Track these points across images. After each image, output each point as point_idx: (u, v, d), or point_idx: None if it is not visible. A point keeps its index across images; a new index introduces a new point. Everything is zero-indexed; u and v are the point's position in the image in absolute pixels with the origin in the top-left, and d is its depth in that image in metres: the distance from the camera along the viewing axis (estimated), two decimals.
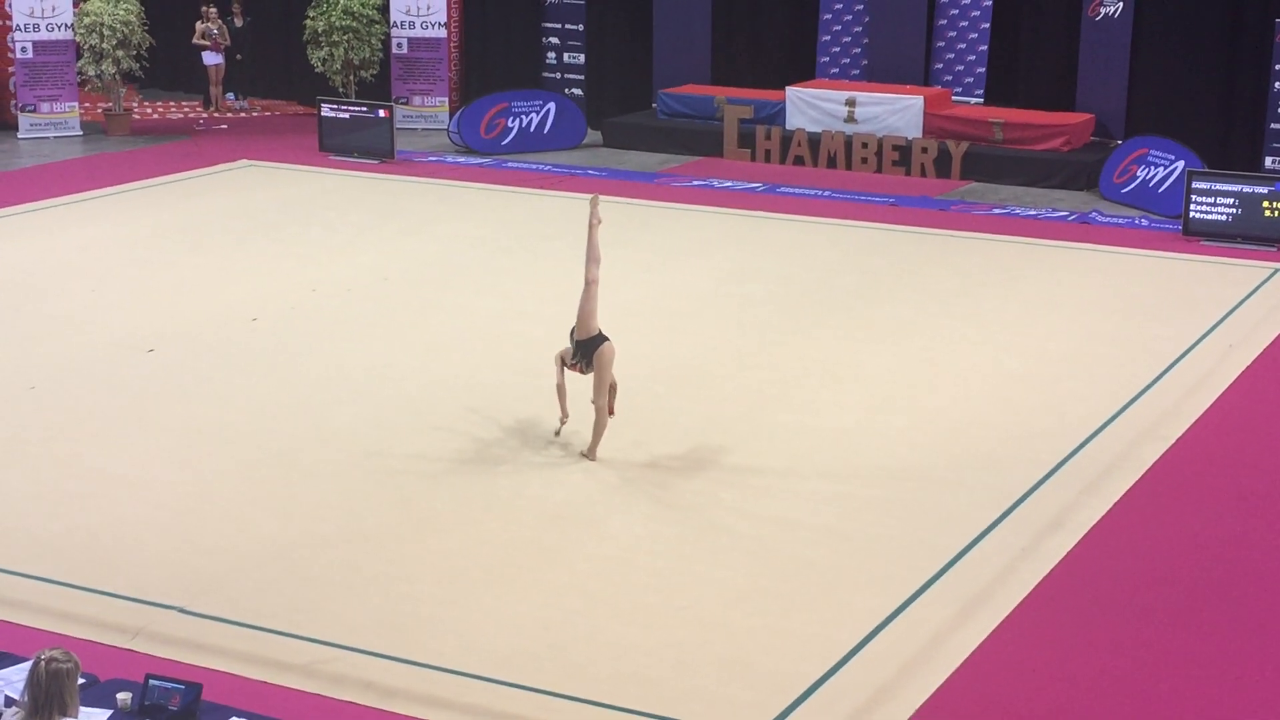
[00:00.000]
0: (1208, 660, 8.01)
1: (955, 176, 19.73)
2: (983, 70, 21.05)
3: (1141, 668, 7.92)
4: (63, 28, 22.06)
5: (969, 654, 7.99)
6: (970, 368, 12.48)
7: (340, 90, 22.64)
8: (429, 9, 23.07)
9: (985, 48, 21.02)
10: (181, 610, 8.36)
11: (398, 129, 20.99)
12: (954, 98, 20.95)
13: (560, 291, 14.55)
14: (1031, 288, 14.81)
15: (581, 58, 23.39)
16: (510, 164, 20.64)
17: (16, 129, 22.15)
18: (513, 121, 21.60)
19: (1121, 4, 19.76)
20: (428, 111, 23.21)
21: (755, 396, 11.82)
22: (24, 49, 21.94)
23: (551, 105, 21.88)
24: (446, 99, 23.27)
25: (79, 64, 22.15)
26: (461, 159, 20.96)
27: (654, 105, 22.22)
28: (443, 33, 23.16)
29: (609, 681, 7.72)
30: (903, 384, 12.10)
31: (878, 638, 8.14)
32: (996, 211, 18.02)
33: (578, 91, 23.21)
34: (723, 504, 9.85)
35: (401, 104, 22.73)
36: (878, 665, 7.87)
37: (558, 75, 23.50)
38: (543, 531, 9.42)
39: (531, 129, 21.67)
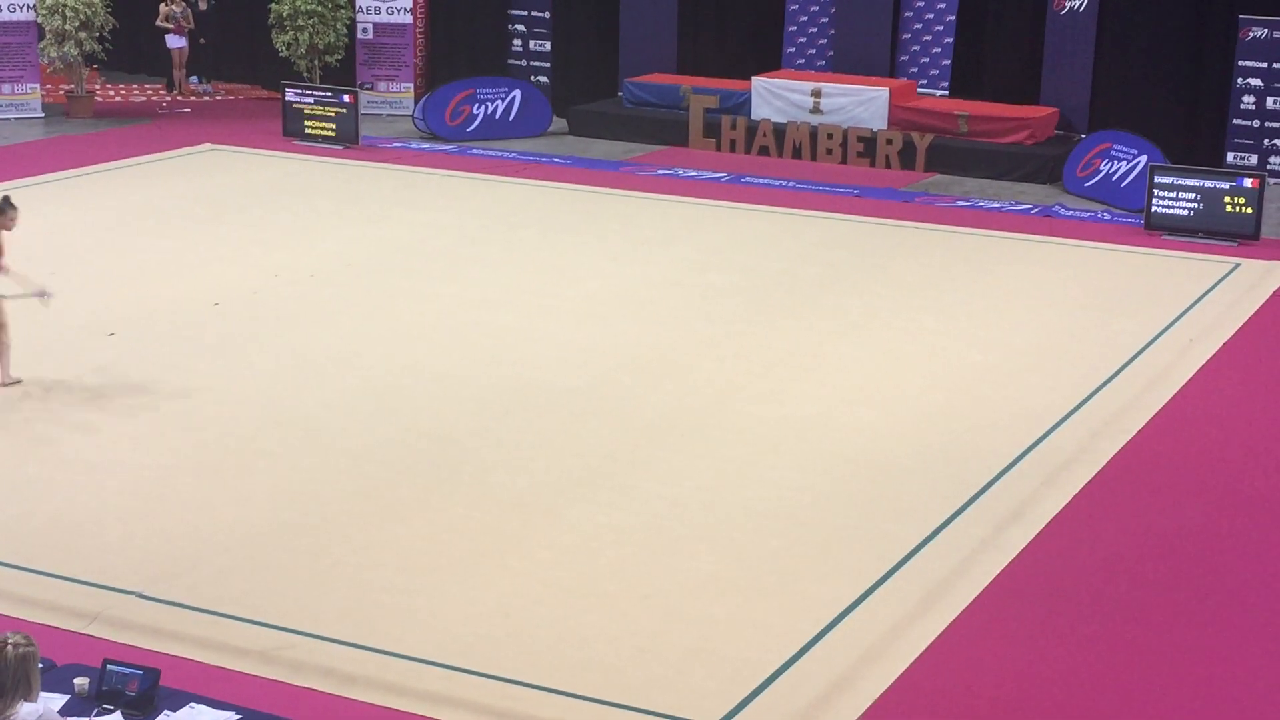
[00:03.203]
0: (1166, 651, 8.06)
1: (920, 168, 19.78)
2: (948, 63, 21.11)
3: (1100, 659, 7.96)
4: (24, 9, 21.90)
5: (929, 644, 8.02)
6: (933, 359, 12.52)
7: (305, 75, 22.54)
8: None
9: (951, 40, 21.08)
10: (140, 595, 8.33)
11: (362, 115, 20.92)
12: (919, 90, 21.00)
13: (525, 279, 14.55)
14: (995, 280, 14.86)
15: (547, 45, 23.34)
16: (475, 151, 20.59)
17: None
18: (478, 108, 21.55)
19: None
20: (393, 97, 23.14)
21: (719, 386, 11.83)
22: None
23: (517, 93, 21.85)
24: (412, 85, 23.20)
25: (41, 45, 21.99)
26: (426, 145, 20.91)
27: (620, 94, 22.21)
28: (408, 18, 23.08)
29: (570, 669, 7.72)
30: (866, 375, 12.13)
31: (838, 627, 8.17)
32: (960, 204, 18.07)
33: (543, 79, 23.17)
34: (686, 493, 9.85)
35: (366, 89, 22.65)
36: (838, 654, 7.90)
37: (523, 63, 23.45)
38: (505, 519, 9.42)
39: (497, 116, 21.62)
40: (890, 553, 9.01)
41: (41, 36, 21.96)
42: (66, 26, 21.74)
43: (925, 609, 8.38)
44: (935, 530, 9.33)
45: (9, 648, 5.88)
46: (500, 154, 20.44)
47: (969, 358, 12.56)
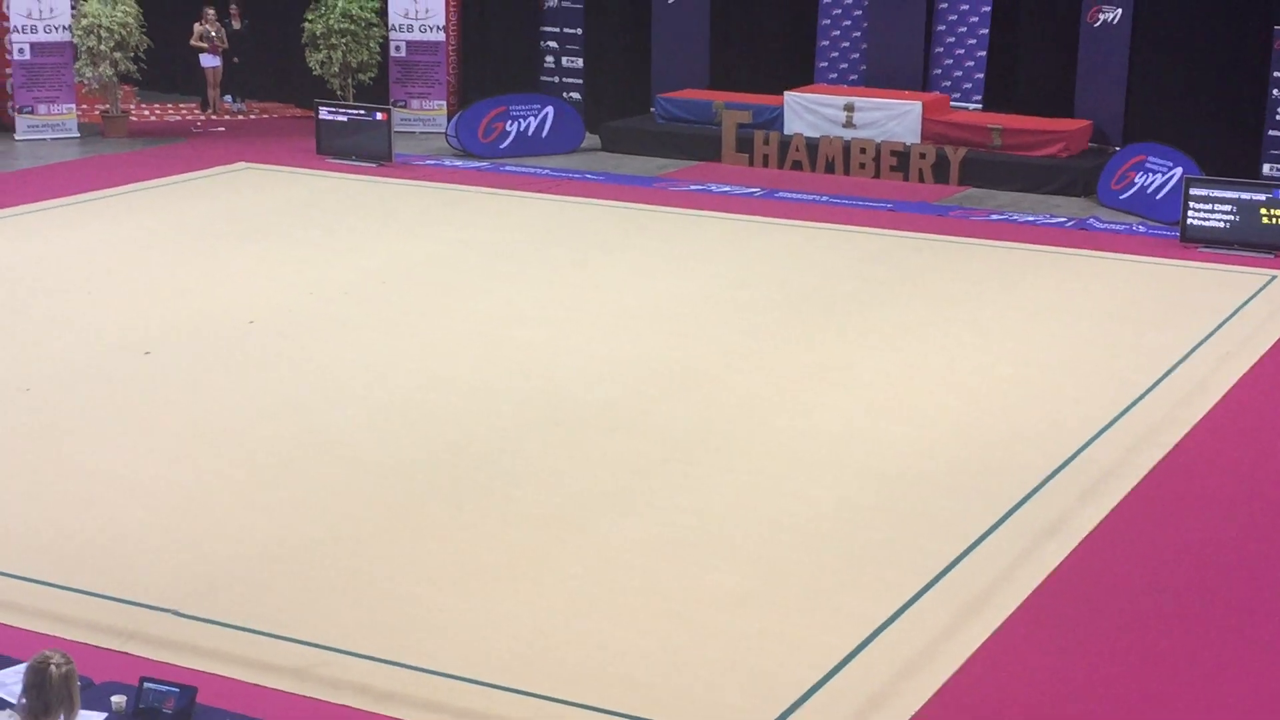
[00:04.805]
0: (1204, 667, 8.00)
1: (953, 182, 19.74)
2: (981, 76, 21.06)
3: (1137, 674, 7.90)
4: (60, 29, 22.04)
5: (964, 660, 7.97)
6: (968, 373, 12.47)
7: (338, 93, 22.63)
8: (427, 12, 23.06)
9: (984, 54, 21.03)
10: (176, 613, 8.34)
11: (395, 132, 20.99)
12: (952, 103, 20.96)
13: (557, 295, 14.57)
14: (1029, 294, 14.80)
15: (580, 62, 23.38)
16: (508, 168, 20.63)
17: (14, 131, 22.13)
18: (511, 125, 21.60)
19: (1120, 10, 19.76)
20: (426, 115, 23.20)
21: (752, 401, 11.81)
22: (21, 50, 21.92)
23: (550, 109, 21.88)
24: (445, 102, 23.26)
25: (76, 66, 22.13)
26: (459, 162, 20.96)
27: (652, 110, 22.22)
28: (441, 36, 23.15)
29: (603, 685, 7.71)
30: (900, 389, 12.09)
31: (873, 643, 8.13)
32: (994, 217, 18.02)
33: (576, 95, 23.20)
34: (719, 508, 9.83)
35: (399, 107, 22.72)
36: (873, 670, 7.86)
37: (556, 79, 23.49)
38: (536, 534, 9.41)
39: (530, 133, 21.66)
40: (926, 567, 8.97)
41: (77, 57, 22.10)
42: (102, 47, 21.87)
43: (961, 624, 8.34)
44: (971, 545, 9.28)
45: (52, 666, 5.90)
46: (533, 170, 20.47)
47: (1003, 371, 12.51)
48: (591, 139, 22.09)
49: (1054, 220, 17.90)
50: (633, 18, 22.90)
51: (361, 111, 20.88)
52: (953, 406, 11.70)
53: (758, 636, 8.21)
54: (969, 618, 8.40)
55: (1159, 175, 18.01)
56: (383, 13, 22.85)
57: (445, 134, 22.30)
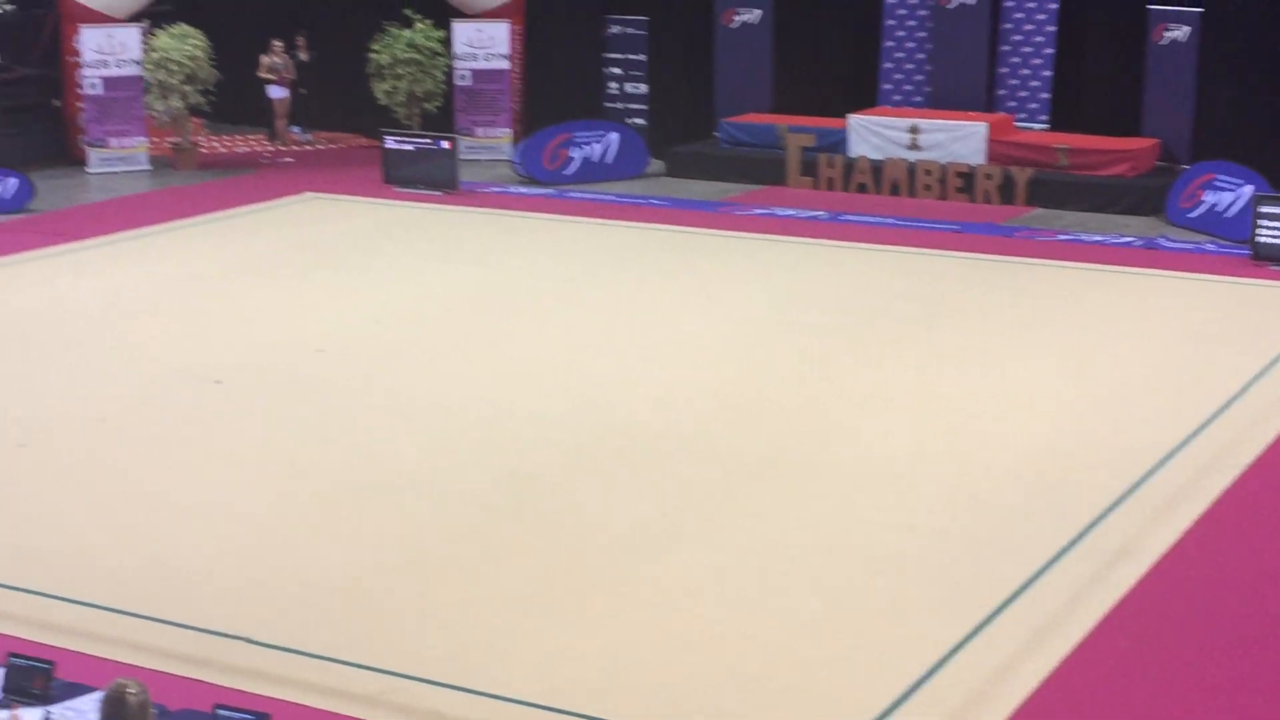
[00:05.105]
0: (1279, 690, 7.92)
1: (1020, 203, 19.64)
2: (1047, 96, 20.94)
3: (1213, 697, 7.82)
4: (131, 64, 22.32)
5: (1038, 684, 7.91)
6: (1036, 394, 12.40)
7: (404, 122, 22.79)
8: (492, 41, 23.20)
9: (1049, 73, 20.91)
10: (249, 640, 8.40)
11: (461, 160, 21.11)
12: (1018, 124, 20.85)
13: (624, 321, 14.59)
14: (1098, 314, 14.71)
15: (643, 87, 23.44)
16: (573, 194, 20.70)
17: (86, 164, 22.42)
18: (575, 152, 21.67)
19: (1187, 28, 19.62)
20: (491, 143, 23.32)
21: (820, 425, 11.78)
22: (93, 85, 22.20)
23: (614, 135, 21.95)
24: (510, 130, 23.37)
25: (147, 99, 22.40)
26: (525, 190, 21.05)
27: (716, 134, 22.24)
28: (506, 64, 23.28)
29: (674, 712, 7.70)
30: (968, 411, 12.03)
31: (945, 667, 8.08)
32: (1062, 238, 17.92)
33: (640, 121, 23.26)
34: (787, 533, 9.81)
35: (465, 135, 22.85)
36: (946, 695, 7.81)
37: (620, 105, 23.56)
38: (606, 561, 9.42)
39: (594, 159, 21.73)
40: (997, 591, 8.91)
41: (148, 91, 22.37)
42: (172, 80, 22.13)
43: (1034, 648, 8.27)
44: (1042, 568, 9.22)
45: (128, 694, 5.96)
46: (598, 197, 20.53)
47: (1072, 393, 12.43)
48: (656, 164, 22.13)
49: (1122, 240, 17.78)
50: (695, 43, 22.93)
51: (427, 140, 21.01)
52: (1022, 428, 11.63)
53: (830, 662, 8.18)
54: (1041, 641, 8.34)
55: (1228, 193, 17.85)
56: (447, 42, 23.01)
57: (510, 161, 22.40)
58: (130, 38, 22.33)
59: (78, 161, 22.62)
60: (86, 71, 22.21)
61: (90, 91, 22.23)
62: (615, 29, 23.50)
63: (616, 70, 23.63)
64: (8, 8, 22.86)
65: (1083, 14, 20.86)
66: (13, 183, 19.90)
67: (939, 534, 9.77)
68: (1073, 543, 9.57)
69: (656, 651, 8.31)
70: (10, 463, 11.06)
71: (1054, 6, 20.75)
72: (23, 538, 9.79)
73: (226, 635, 8.45)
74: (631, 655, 8.26)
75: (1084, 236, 17.94)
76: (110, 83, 22.24)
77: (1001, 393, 12.46)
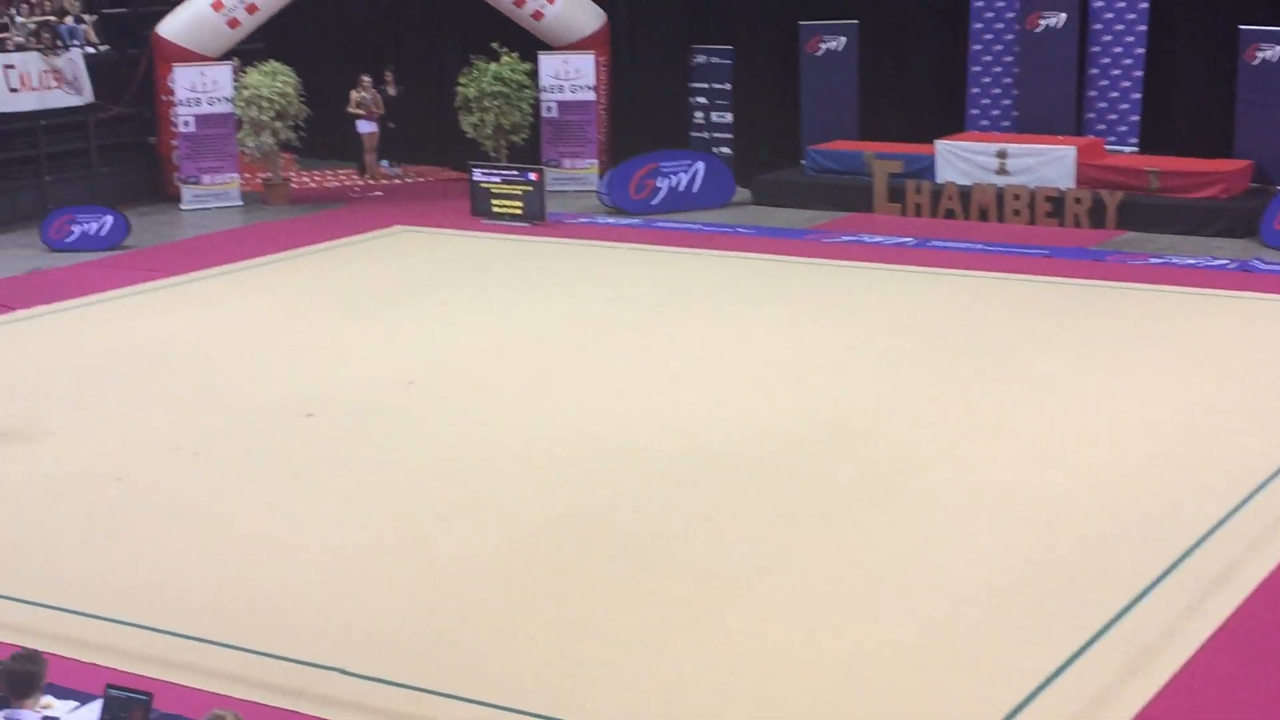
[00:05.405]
0: None
1: (1110, 226, 19.47)
2: (1136, 118, 20.76)
3: None
4: (223, 101, 22.64)
5: (1136, 713, 7.81)
6: (1129, 420, 12.26)
7: (491, 155, 22.95)
8: (578, 73, 23.34)
9: (1139, 95, 20.74)
10: (343, 671, 8.46)
11: (548, 192, 21.21)
12: (1107, 147, 20.69)
13: (712, 350, 14.59)
14: (1191, 338, 14.53)
15: (729, 116, 23.50)
16: (660, 224, 20.75)
17: (180, 201, 22.75)
18: (662, 181, 21.73)
19: (1279, 48, 19.39)
20: (577, 174, 23.44)
21: (910, 452, 11.71)
22: (186, 123, 22.56)
23: (700, 165, 21.99)
24: (596, 161, 23.49)
25: (239, 136, 22.71)
26: (611, 220, 21.12)
27: (803, 162, 22.23)
28: (591, 95, 23.40)
29: None
30: (1060, 438, 11.92)
31: (1041, 696, 8.00)
32: (1154, 261, 17.73)
33: (726, 150, 23.30)
34: (877, 561, 9.75)
35: (551, 167, 22.98)
36: None
37: (706, 134, 23.62)
38: (695, 590, 9.40)
39: (681, 188, 21.78)
40: (1092, 620, 8.80)
41: (239, 127, 22.68)
42: (263, 117, 22.44)
43: (1130, 677, 8.17)
44: (1138, 596, 9.10)
45: None
46: (685, 226, 20.57)
47: (1166, 418, 12.28)
48: (742, 193, 22.14)
49: (1215, 263, 17.56)
50: (781, 71, 22.96)
51: (514, 172, 21.15)
52: (1115, 454, 11.51)
53: (924, 691, 8.12)
54: (1137, 671, 8.23)
55: None
56: (534, 74, 23.16)
57: (597, 192, 22.50)
58: (222, 75, 22.67)
59: (172, 198, 22.98)
60: (180, 109, 22.57)
61: (183, 129, 22.59)
62: (701, 58, 23.59)
63: (702, 99, 23.71)
64: (102, 48, 23.26)
65: (1172, 35, 20.68)
66: (108, 220, 20.25)
67: (1034, 562, 9.67)
68: (1169, 570, 9.44)
69: (745, 680, 8.27)
70: (105, 497, 11.22)
71: (1143, 28, 20.59)
72: (119, 571, 9.91)
73: (320, 666, 8.51)
74: (720, 684, 8.23)
75: (1176, 260, 17.74)
76: (203, 120, 22.58)
77: (1092, 418, 12.33)
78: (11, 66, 21.70)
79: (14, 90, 21.70)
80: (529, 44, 23.48)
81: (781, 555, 9.91)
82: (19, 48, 22.05)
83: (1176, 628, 8.72)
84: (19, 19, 22.76)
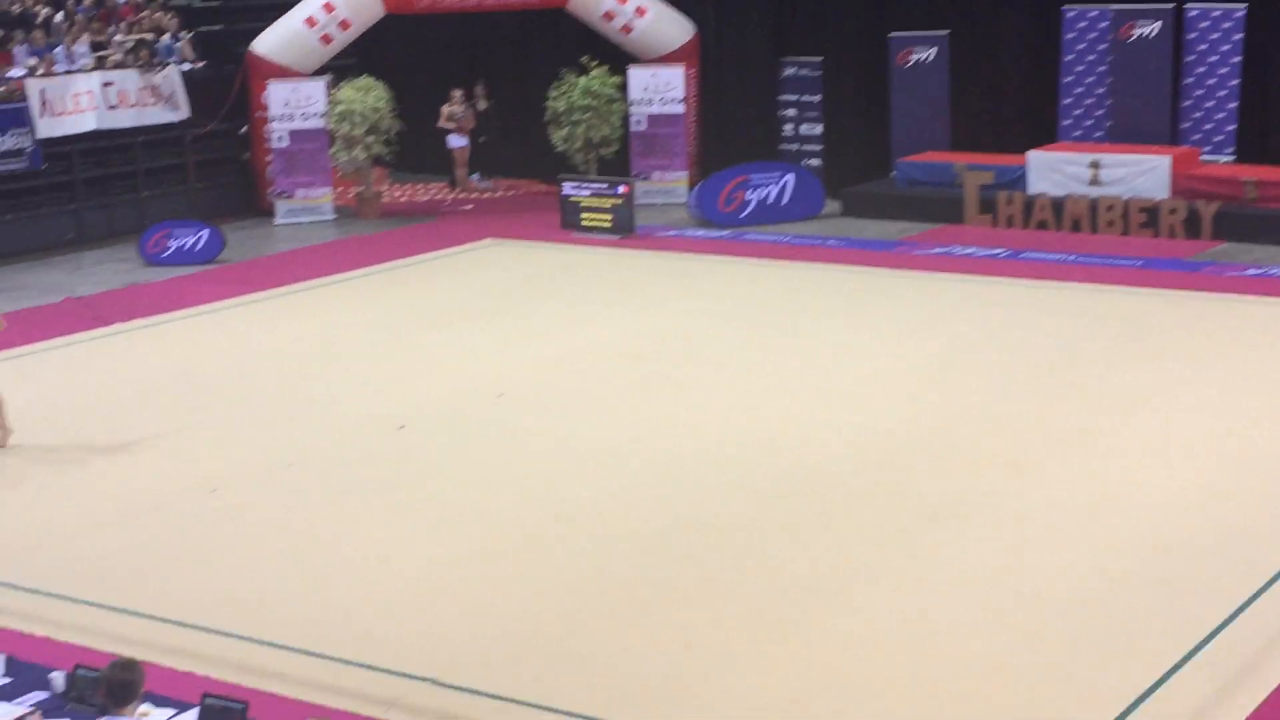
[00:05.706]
0: None
1: (1206, 237, 19.23)
2: (1233, 128, 20.50)
3: None
4: (316, 117, 22.89)
5: None
6: (1226, 434, 12.10)
7: (581, 168, 23.04)
8: (667, 86, 23.37)
9: (1235, 105, 20.48)
10: (435, 682, 8.52)
11: (637, 204, 21.26)
12: (1203, 157, 20.44)
13: (802, 363, 14.56)
14: None
15: (819, 128, 23.45)
16: (749, 236, 20.73)
17: (274, 215, 23.02)
18: (751, 194, 21.72)
19: None
20: (667, 186, 23.47)
21: (1003, 466, 11.63)
22: (280, 139, 22.82)
23: (790, 176, 21.95)
24: (685, 173, 23.51)
25: (332, 151, 22.94)
26: (701, 232, 21.13)
27: (893, 174, 22.14)
28: (681, 108, 23.43)
29: None
30: (1156, 451, 11.79)
31: (1135, 713, 7.91)
32: (1251, 272, 17.49)
33: (816, 162, 23.25)
34: (971, 576, 9.69)
35: (641, 180, 23.02)
36: None
37: (795, 146, 23.58)
38: (788, 604, 9.39)
39: (770, 200, 21.75)
40: (1188, 636, 8.70)
41: (332, 142, 22.92)
42: (355, 132, 22.65)
43: (1228, 694, 8.07)
44: (1234, 612, 8.99)
45: None
46: (774, 238, 20.54)
47: (1264, 431, 12.11)
48: (832, 205, 22.08)
49: None
50: (870, 82, 22.88)
51: (604, 185, 21.21)
52: (1210, 468, 11.37)
53: (1018, 707, 8.06)
54: (1236, 687, 8.13)
55: None
56: (623, 88, 23.23)
57: (686, 205, 22.52)
58: (315, 91, 22.92)
59: (266, 213, 23.26)
60: (274, 125, 22.85)
61: (277, 144, 22.86)
62: (790, 70, 23.56)
63: (791, 112, 23.68)
64: (198, 65, 23.60)
65: (1270, 43, 20.42)
66: (204, 235, 20.52)
67: (1127, 577, 9.58)
68: (1264, 587, 9.31)
69: (838, 695, 8.25)
70: (201, 509, 11.37)
71: (1239, 37, 20.34)
72: (214, 582, 10.04)
73: (414, 676, 8.57)
74: (814, 699, 8.21)
75: (1274, 271, 17.49)
76: (296, 135, 22.84)
77: (1188, 432, 12.19)
78: (110, 84, 22.09)
79: (112, 107, 22.08)
80: (618, 57, 23.55)
81: (875, 569, 9.87)
82: (117, 65, 22.43)
83: (1273, 646, 8.60)
84: (117, 37, 23.16)
